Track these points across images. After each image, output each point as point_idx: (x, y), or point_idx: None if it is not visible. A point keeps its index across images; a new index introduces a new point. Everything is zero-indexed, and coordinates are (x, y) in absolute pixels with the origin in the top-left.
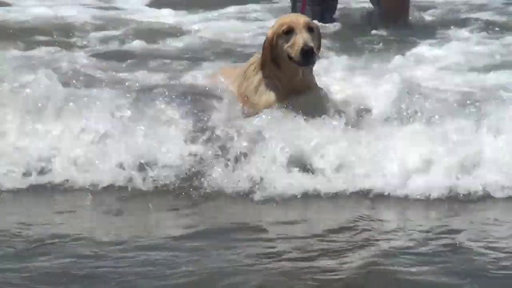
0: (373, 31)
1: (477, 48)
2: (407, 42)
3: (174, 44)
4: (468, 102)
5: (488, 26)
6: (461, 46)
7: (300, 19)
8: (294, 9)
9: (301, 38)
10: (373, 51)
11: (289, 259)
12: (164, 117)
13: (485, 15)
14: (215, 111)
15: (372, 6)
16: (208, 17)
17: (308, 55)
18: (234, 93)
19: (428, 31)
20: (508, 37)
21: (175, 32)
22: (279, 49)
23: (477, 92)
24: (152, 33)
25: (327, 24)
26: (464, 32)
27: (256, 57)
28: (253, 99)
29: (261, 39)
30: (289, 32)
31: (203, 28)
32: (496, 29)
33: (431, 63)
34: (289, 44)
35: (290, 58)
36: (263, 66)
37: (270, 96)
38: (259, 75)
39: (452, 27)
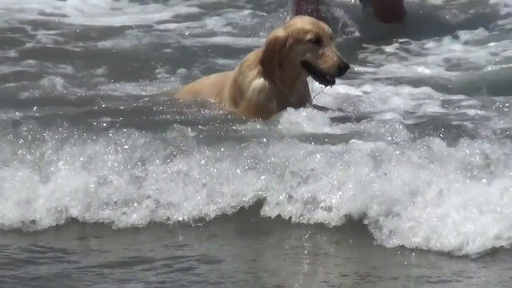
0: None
1: None
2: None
3: None
4: None
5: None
6: None
7: (325, 28)
8: None
9: (334, 54)
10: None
11: None
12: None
13: None
14: None
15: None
16: None
17: (342, 72)
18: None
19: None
20: None
21: None
22: (293, 54)
23: None
24: None
25: None
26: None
27: (253, 55)
28: (246, 90)
29: None
30: (316, 41)
31: None
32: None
33: None
34: (316, 54)
35: (314, 69)
36: (263, 63)
37: (259, 82)
38: (255, 70)
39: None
